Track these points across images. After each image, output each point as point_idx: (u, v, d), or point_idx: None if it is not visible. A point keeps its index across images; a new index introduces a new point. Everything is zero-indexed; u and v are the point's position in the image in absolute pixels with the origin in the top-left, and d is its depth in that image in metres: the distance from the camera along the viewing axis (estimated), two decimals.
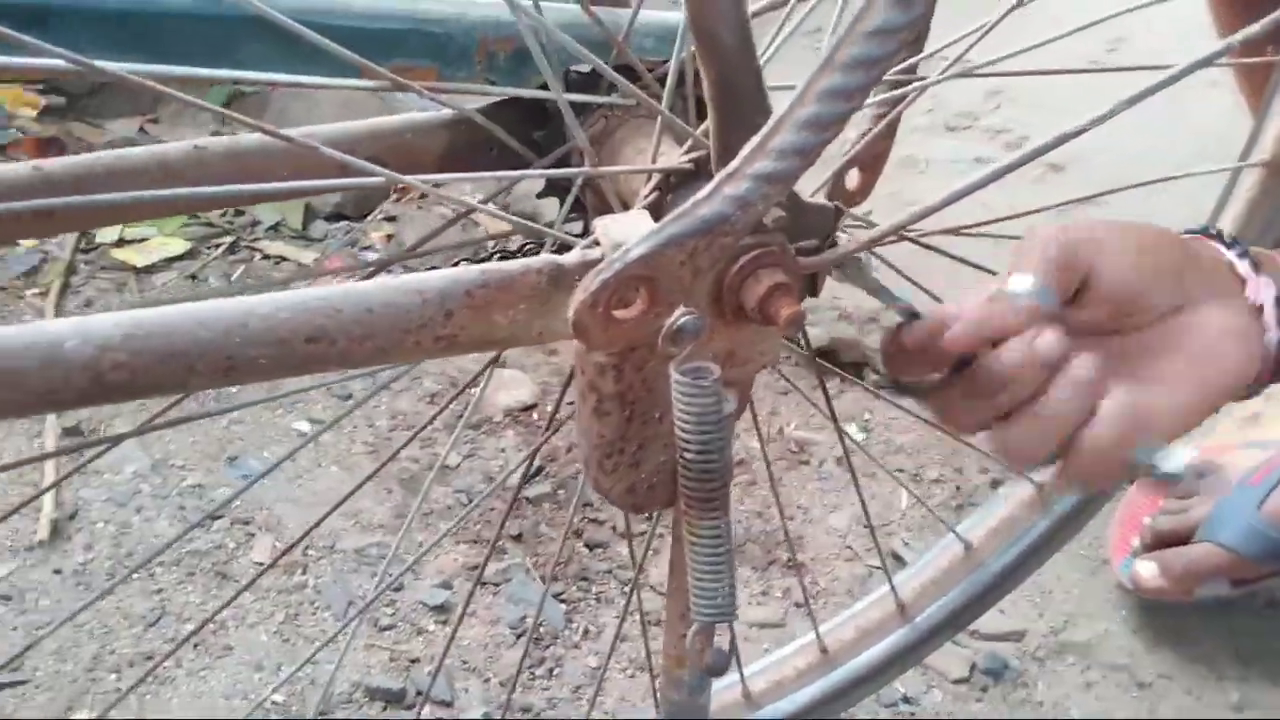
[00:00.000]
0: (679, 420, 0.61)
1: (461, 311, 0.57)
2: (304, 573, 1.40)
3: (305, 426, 1.65)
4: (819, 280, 0.69)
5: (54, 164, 0.66)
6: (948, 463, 1.77)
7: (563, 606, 1.41)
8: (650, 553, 1.54)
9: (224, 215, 2.11)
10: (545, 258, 0.59)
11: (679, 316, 0.59)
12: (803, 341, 1.00)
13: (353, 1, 0.66)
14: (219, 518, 1.46)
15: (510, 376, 1.80)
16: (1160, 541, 1.34)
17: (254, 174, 0.64)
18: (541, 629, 1.36)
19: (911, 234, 0.82)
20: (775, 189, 0.51)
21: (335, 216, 2.14)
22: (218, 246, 2.04)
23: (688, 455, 0.62)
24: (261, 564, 1.41)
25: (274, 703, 1.20)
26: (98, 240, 2.03)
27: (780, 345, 0.68)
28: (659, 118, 0.67)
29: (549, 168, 0.77)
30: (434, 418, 0.97)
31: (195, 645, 1.26)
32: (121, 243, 2.04)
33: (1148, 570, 1.30)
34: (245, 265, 2.00)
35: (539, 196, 0.82)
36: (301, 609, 1.35)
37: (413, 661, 1.29)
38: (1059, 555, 1.18)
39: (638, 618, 1.41)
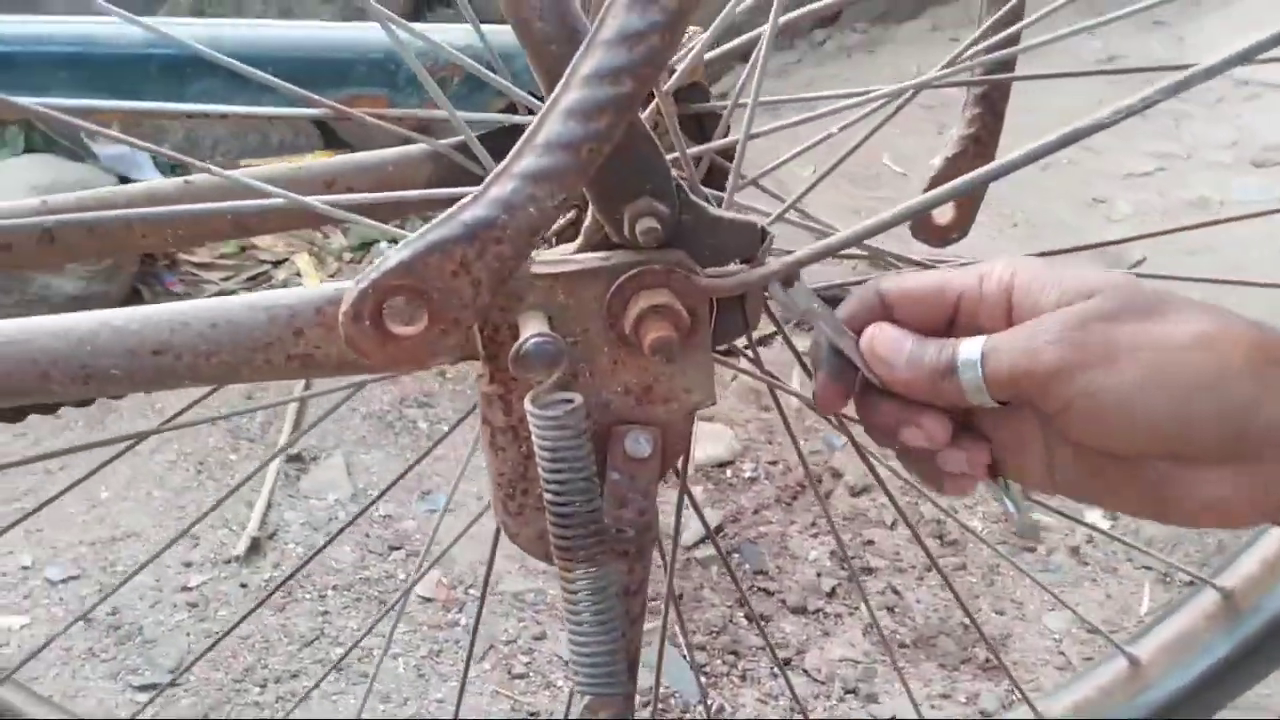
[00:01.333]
0: (538, 458, 0.54)
1: (313, 330, 0.54)
2: (459, 611, 1.43)
3: None
4: (748, 308, 0.59)
5: (58, 198, 0.72)
6: (1209, 561, 1.47)
7: (702, 679, 1.32)
8: (821, 635, 1.41)
9: None
10: None
11: (526, 339, 0.52)
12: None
13: (300, 34, 0.67)
14: (398, 548, 1.52)
15: (711, 430, 1.74)
16: None
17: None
18: (672, 700, 1.28)
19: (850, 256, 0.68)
20: (544, 188, 0.44)
21: None
22: None
23: (548, 498, 0.54)
24: (426, 598, 1.45)
25: None
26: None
27: (709, 383, 0.58)
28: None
29: None
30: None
31: (339, 670, 1.31)
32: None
33: None
34: None
35: None
36: (445, 646, 1.36)
37: (532, 714, 1.26)
38: None
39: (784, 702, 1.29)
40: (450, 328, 0.48)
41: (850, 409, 0.57)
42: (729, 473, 1.68)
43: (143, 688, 1.27)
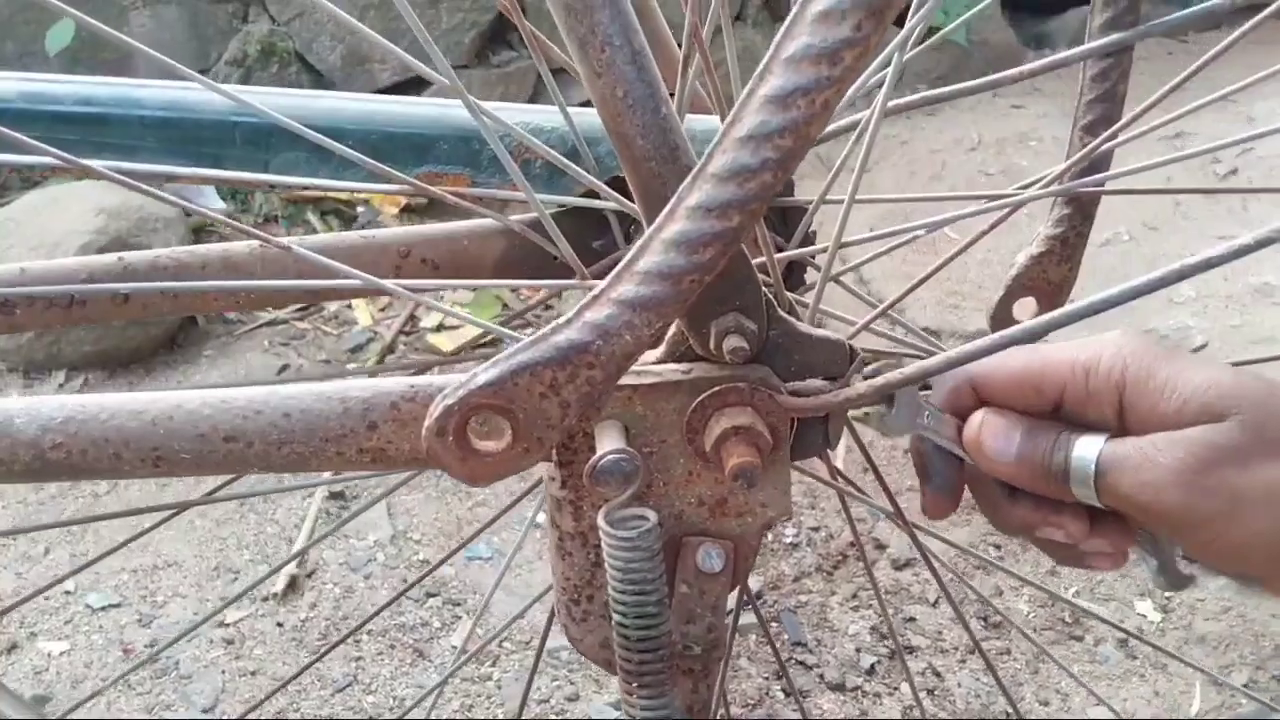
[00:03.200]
0: (608, 576, 0.53)
1: (386, 425, 0.54)
2: (493, 664, 1.41)
3: (543, 518, 1.67)
4: (833, 427, 0.57)
5: (134, 256, 0.72)
6: (1265, 665, 1.42)
7: None
8: (858, 714, 1.38)
9: (524, 297, 2.24)
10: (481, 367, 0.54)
11: (604, 455, 0.51)
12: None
13: (384, 108, 0.66)
14: (435, 595, 1.51)
15: None
16: None
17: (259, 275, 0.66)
18: None
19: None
20: (642, 317, 0.43)
21: None
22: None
23: (615, 617, 0.53)
24: (457, 648, 1.43)
25: None
26: (420, 325, 2.24)
27: (786, 499, 0.57)
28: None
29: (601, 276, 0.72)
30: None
31: (370, 719, 1.30)
32: (440, 328, 2.24)
33: None
34: None
35: None
36: (479, 700, 1.35)
37: None
38: None
39: None
40: (534, 446, 0.47)
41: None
42: (770, 536, 1.66)
43: None
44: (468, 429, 0.47)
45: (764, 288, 0.53)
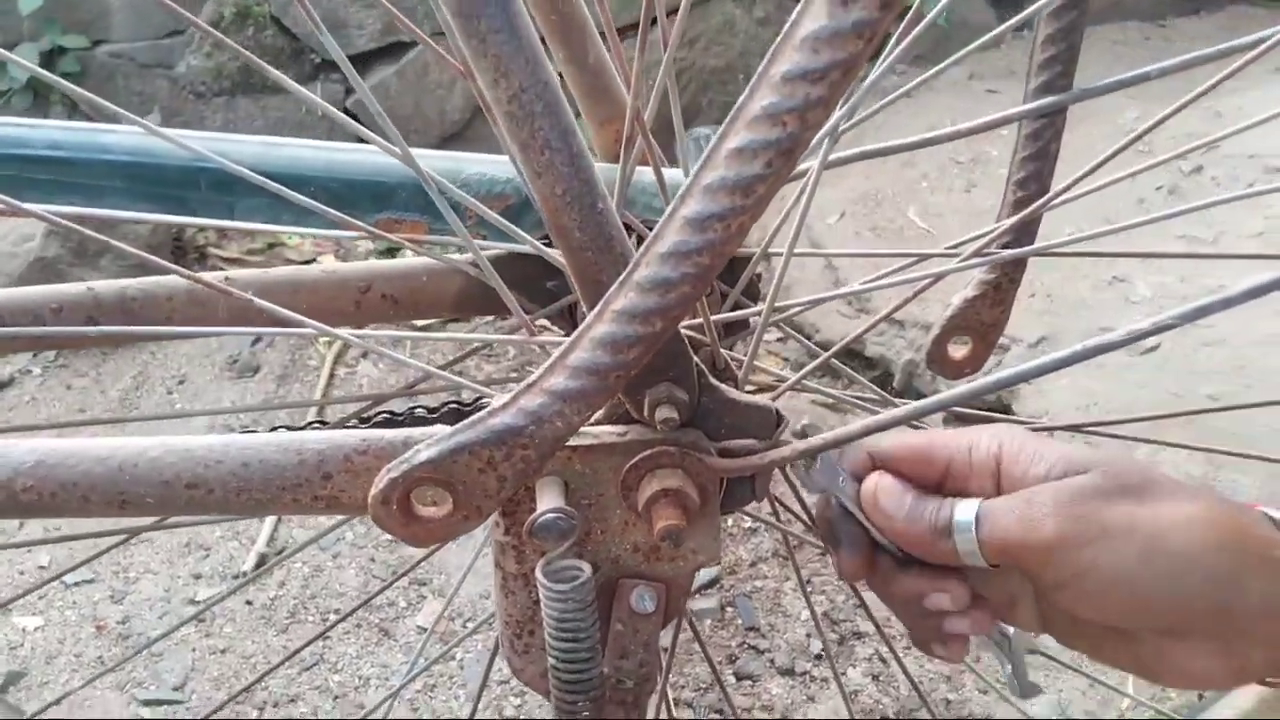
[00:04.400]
0: (544, 623, 0.57)
1: (340, 475, 0.57)
2: (456, 644, 1.46)
3: None
4: (759, 482, 0.61)
5: (104, 286, 0.75)
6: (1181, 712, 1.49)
7: None
8: (805, 701, 1.44)
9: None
10: (432, 430, 0.58)
11: (542, 514, 0.55)
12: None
13: (345, 157, 0.69)
14: (403, 574, 1.55)
15: None
16: None
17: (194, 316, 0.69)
18: None
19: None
20: (572, 406, 0.46)
21: None
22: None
23: (550, 659, 0.57)
24: (424, 629, 1.48)
25: None
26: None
27: (715, 546, 0.61)
28: None
29: (552, 315, 0.75)
30: None
31: (336, 698, 1.35)
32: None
33: None
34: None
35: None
36: (440, 681, 1.40)
37: None
38: None
39: None
40: (473, 514, 0.50)
41: None
42: (730, 522, 1.71)
43: (148, 702, 1.31)
44: (411, 498, 0.50)
45: (695, 358, 0.56)
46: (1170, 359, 1.67)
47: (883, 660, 1.50)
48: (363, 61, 2.72)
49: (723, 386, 0.57)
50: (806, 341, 0.76)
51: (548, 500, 0.55)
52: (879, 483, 0.56)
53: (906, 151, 0.68)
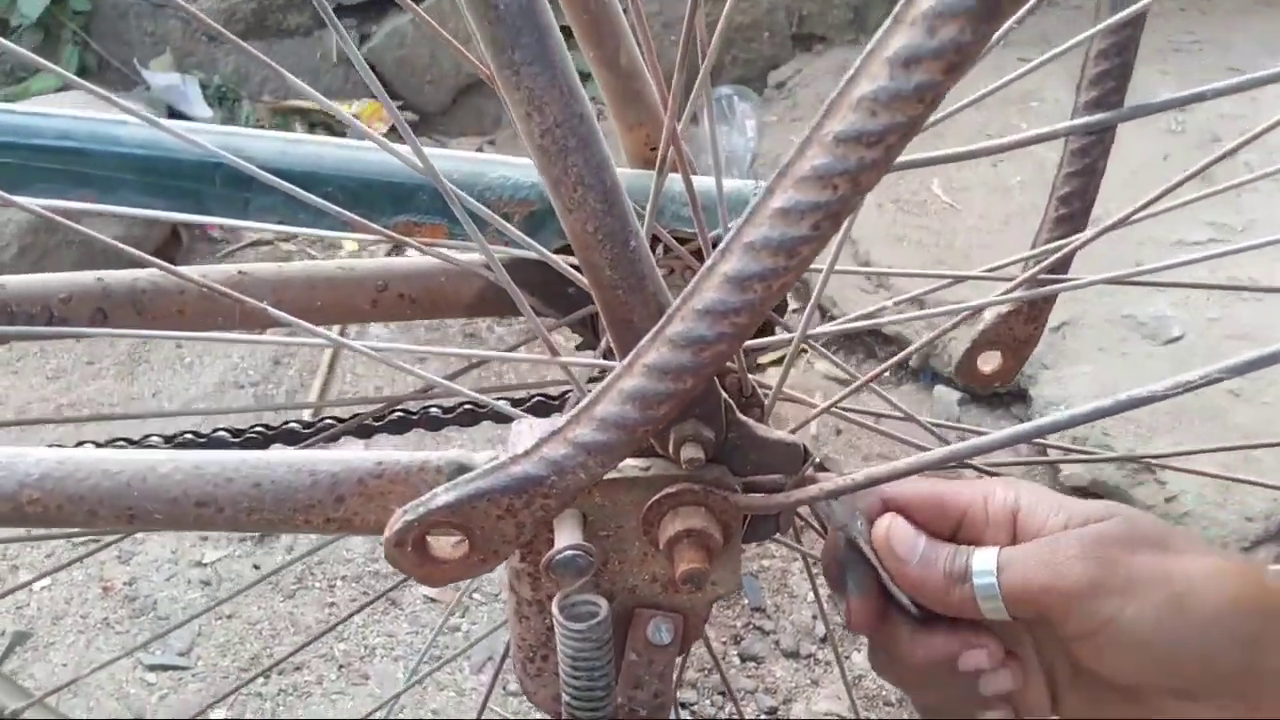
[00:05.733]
0: (559, 658, 0.56)
1: (354, 498, 0.56)
2: (463, 616, 1.46)
3: None
4: (782, 517, 0.59)
5: (113, 277, 0.73)
6: None
7: (687, 718, 1.35)
8: (810, 684, 1.44)
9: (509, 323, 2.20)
10: (449, 455, 0.56)
11: (560, 550, 0.53)
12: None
13: (364, 156, 0.66)
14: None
15: None
16: None
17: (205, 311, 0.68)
18: None
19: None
20: (596, 459, 0.45)
21: None
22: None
23: (564, 695, 0.56)
24: (430, 598, 1.48)
25: None
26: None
27: (736, 577, 0.59)
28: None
29: (572, 324, 0.73)
30: None
31: (341, 667, 1.35)
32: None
33: None
34: None
35: (577, 348, 0.79)
36: (445, 652, 1.40)
37: None
38: None
39: None
40: (490, 558, 0.49)
41: None
42: None
43: (153, 667, 1.31)
44: (426, 539, 0.49)
45: (723, 393, 0.54)
46: (1194, 350, 1.64)
47: None
48: (378, 9, 2.66)
49: (750, 422, 0.56)
50: (841, 363, 0.74)
51: (566, 535, 0.54)
52: (891, 524, 0.54)
53: (944, 164, 0.66)
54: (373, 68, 2.50)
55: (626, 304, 0.48)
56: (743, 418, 0.55)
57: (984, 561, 0.51)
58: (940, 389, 1.82)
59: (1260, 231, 1.79)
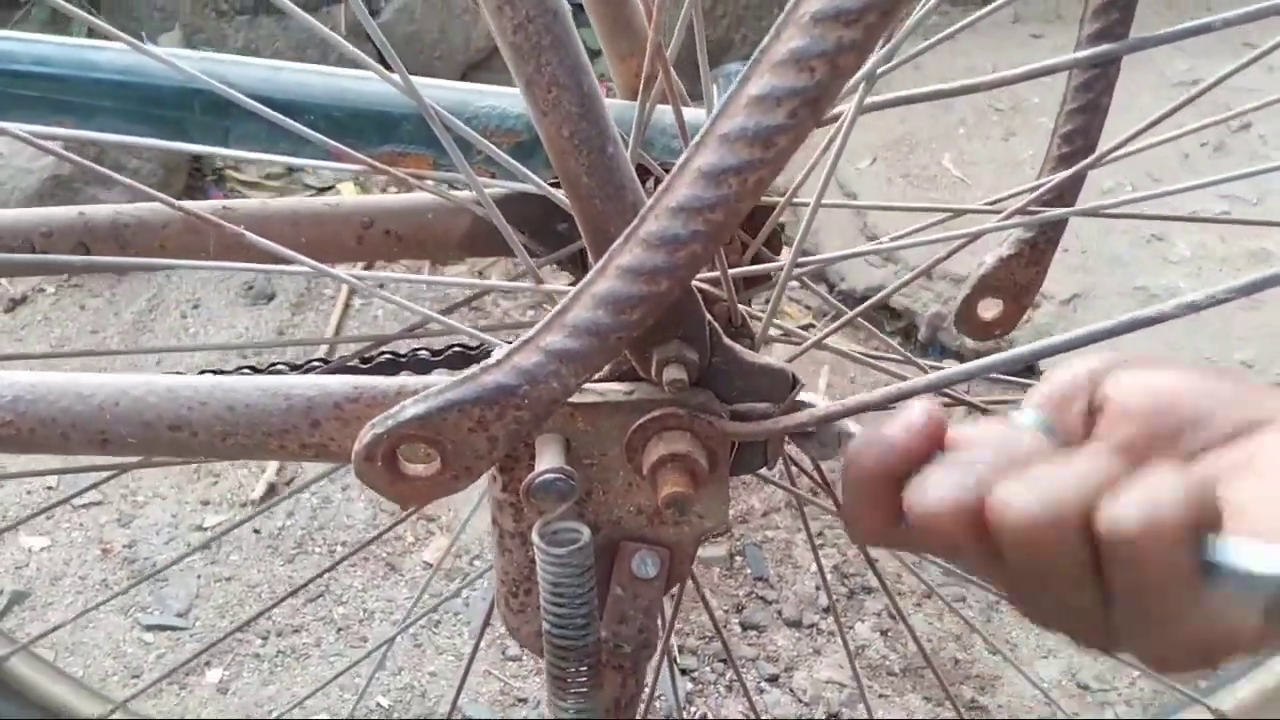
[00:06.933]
0: (540, 587, 0.54)
1: (329, 423, 0.54)
2: (462, 580, 1.45)
3: None
4: (771, 448, 0.58)
5: (95, 211, 0.72)
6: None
7: (688, 685, 1.34)
8: (811, 654, 1.43)
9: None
10: (424, 379, 0.55)
11: (540, 474, 0.52)
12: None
13: (349, 84, 0.65)
14: (412, 511, 1.54)
15: None
16: None
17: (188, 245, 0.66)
18: (657, 704, 1.30)
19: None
20: (568, 367, 0.43)
21: None
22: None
23: (545, 625, 0.55)
24: (429, 564, 1.47)
25: (379, 705, 1.25)
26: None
27: (723, 510, 0.58)
28: None
29: (562, 260, 0.72)
30: None
31: (339, 630, 1.34)
32: None
33: None
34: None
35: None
36: (445, 618, 1.39)
37: (520, 700, 1.29)
38: None
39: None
40: (463, 474, 0.48)
41: None
42: None
43: (151, 627, 1.31)
44: (397, 454, 0.47)
45: (708, 314, 0.53)
46: (1207, 321, 1.62)
47: (892, 616, 1.48)
48: None
49: (736, 347, 0.54)
50: (828, 297, 0.72)
51: (547, 459, 0.53)
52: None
53: (946, 99, 0.64)
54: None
55: (603, 213, 0.46)
56: (729, 342, 0.54)
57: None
58: (949, 363, 1.80)
59: (1274, 204, 1.76)
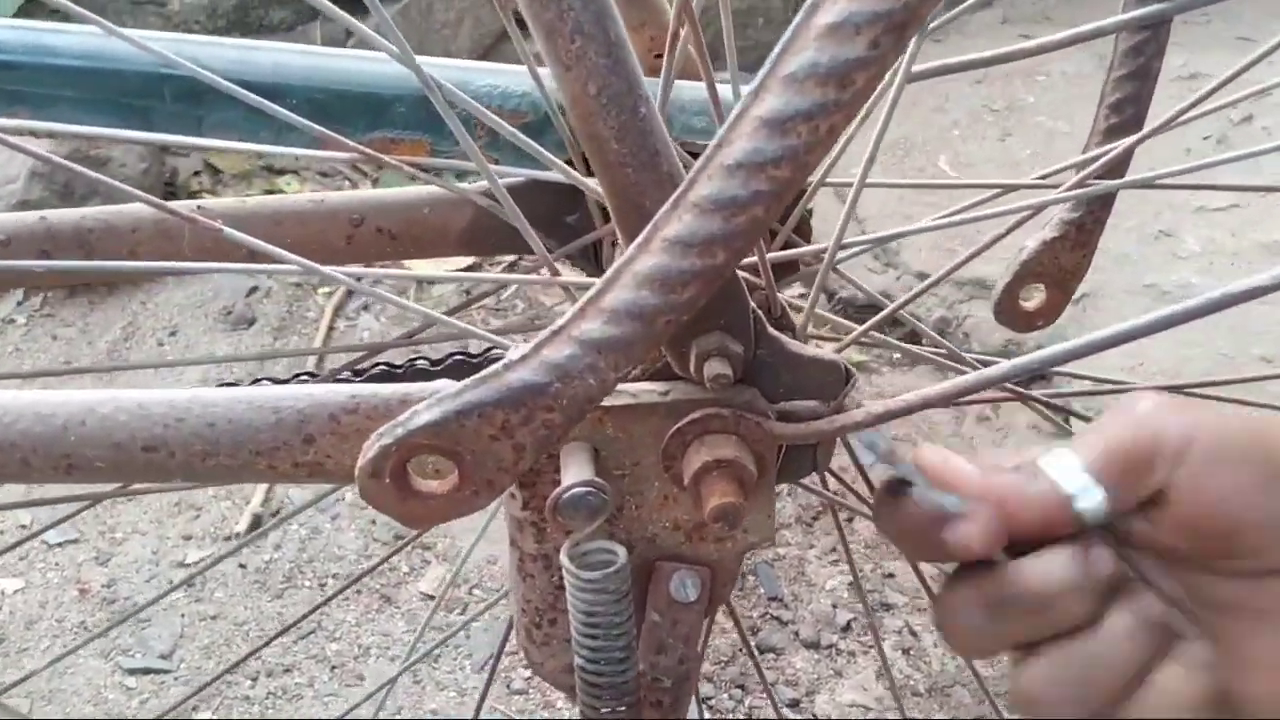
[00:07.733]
0: (570, 616, 0.48)
1: (325, 438, 0.48)
2: (462, 612, 1.38)
3: None
4: (822, 451, 0.52)
5: (57, 215, 0.65)
6: None
7: (705, 714, 1.27)
8: (832, 675, 1.36)
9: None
10: (429, 386, 0.48)
11: (567, 488, 0.46)
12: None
13: (334, 64, 0.59)
14: (402, 537, 1.47)
15: None
16: None
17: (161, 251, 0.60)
18: None
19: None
20: (607, 359, 0.37)
21: None
22: (497, 264, 2.08)
23: (577, 659, 0.48)
24: (427, 595, 1.40)
25: None
26: None
27: (769, 524, 0.52)
28: None
29: (572, 255, 0.66)
30: None
31: (333, 668, 1.27)
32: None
33: None
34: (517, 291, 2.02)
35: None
36: (445, 651, 1.32)
37: None
38: None
39: None
40: (484, 489, 0.41)
41: None
42: None
43: (133, 671, 1.23)
44: (408, 469, 0.41)
45: (752, 302, 0.47)
46: (1223, 318, 1.56)
47: (913, 633, 1.42)
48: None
49: (783, 338, 0.48)
50: (868, 290, 0.66)
51: (575, 471, 0.46)
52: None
53: (983, 67, 0.59)
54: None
55: (637, 184, 0.40)
56: (774, 332, 0.48)
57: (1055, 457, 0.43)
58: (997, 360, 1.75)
59: None
